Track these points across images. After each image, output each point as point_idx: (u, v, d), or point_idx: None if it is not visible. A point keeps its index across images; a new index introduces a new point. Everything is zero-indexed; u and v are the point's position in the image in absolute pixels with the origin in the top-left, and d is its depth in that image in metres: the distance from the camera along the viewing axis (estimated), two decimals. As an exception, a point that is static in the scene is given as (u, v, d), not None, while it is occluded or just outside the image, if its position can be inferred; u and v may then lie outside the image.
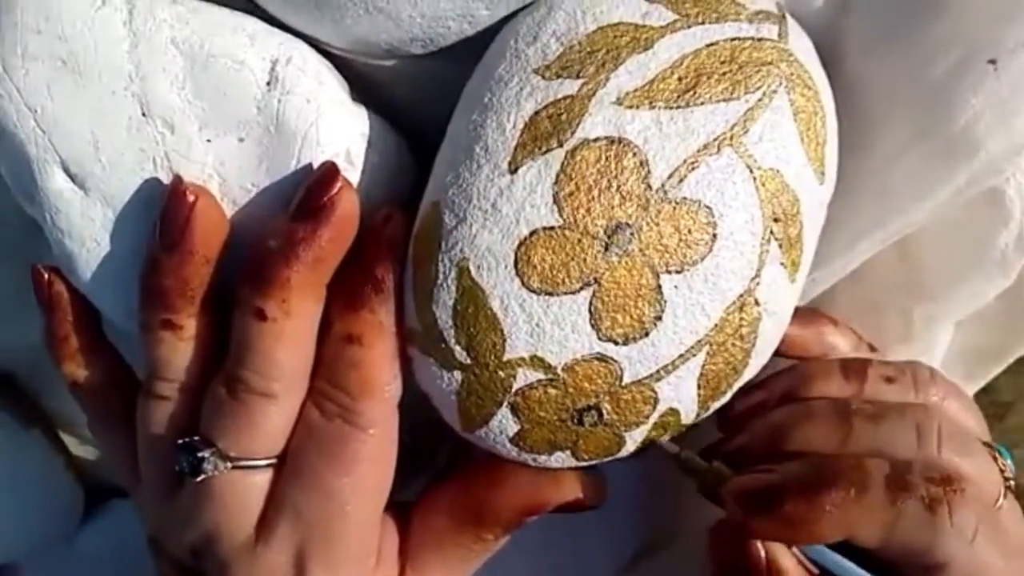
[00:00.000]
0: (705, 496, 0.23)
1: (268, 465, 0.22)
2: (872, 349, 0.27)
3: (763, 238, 0.22)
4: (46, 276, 0.23)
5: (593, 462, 0.24)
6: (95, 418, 0.25)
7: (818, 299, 0.27)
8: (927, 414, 0.23)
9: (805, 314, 0.26)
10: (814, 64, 0.23)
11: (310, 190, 0.21)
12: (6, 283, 0.23)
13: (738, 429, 0.24)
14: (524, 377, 0.21)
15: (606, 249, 0.21)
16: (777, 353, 0.24)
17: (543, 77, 0.21)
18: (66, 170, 0.21)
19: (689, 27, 0.21)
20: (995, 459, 0.23)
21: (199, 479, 0.21)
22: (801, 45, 0.23)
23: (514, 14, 0.22)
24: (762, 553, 0.22)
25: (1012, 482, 0.24)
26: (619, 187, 0.20)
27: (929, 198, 0.24)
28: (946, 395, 0.24)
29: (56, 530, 0.33)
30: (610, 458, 0.23)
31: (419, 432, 0.24)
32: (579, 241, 0.20)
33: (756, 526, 0.21)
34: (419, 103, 0.24)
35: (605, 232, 0.20)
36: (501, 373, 0.21)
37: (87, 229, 0.22)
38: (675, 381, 0.22)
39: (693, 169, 0.21)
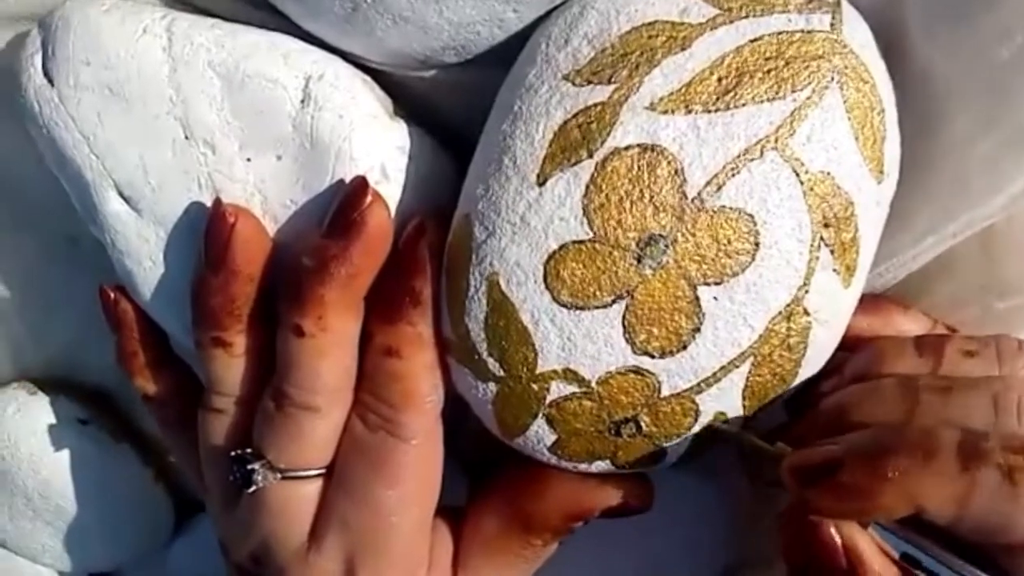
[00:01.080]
0: (772, 484, 0.21)
1: (317, 475, 0.23)
2: (951, 331, 0.25)
3: (812, 244, 0.20)
4: (112, 296, 0.24)
5: (635, 471, 0.23)
6: (166, 429, 0.26)
7: (892, 292, 0.26)
8: (1006, 384, 0.20)
9: (871, 301, 0.24)
10: (872, 54, 0.21)
11: (341, 206, 0.21)
12: (93, 302, 0.25)
13: (805, 413, 0.23)
14: (558, 389, 0.21)
15: (639, 261, 0.20)
16: (844, 347, 0.23)
17: (573, 84, 0.20)
18: (120, 193, 0.22)
19: (731, 22, 0.20)
20: None
21: (251, 490, 0.22)
22: (858, 34, 0.21)
23: (547, 15, 0.22)
24: (835, 535, 0.20)
25: None
26: (652, 197, 0.20)
27: (1002, 190, 0.22)
28: None
29: (147, 539, 0.35)
30: (653, 468, 0.23)
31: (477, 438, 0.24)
32: (610, 254, 0.20)
33: (813, 499, 0.19)
34: (460, 113, 0.24)
35: (637, 244, 0.20)
36: (534, 386, 0.21)
37: (143, 249, 0.23)
38: (717, 393, 0.21)
39: (733, 175, 0.20)
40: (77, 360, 0.33)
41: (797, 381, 0.22)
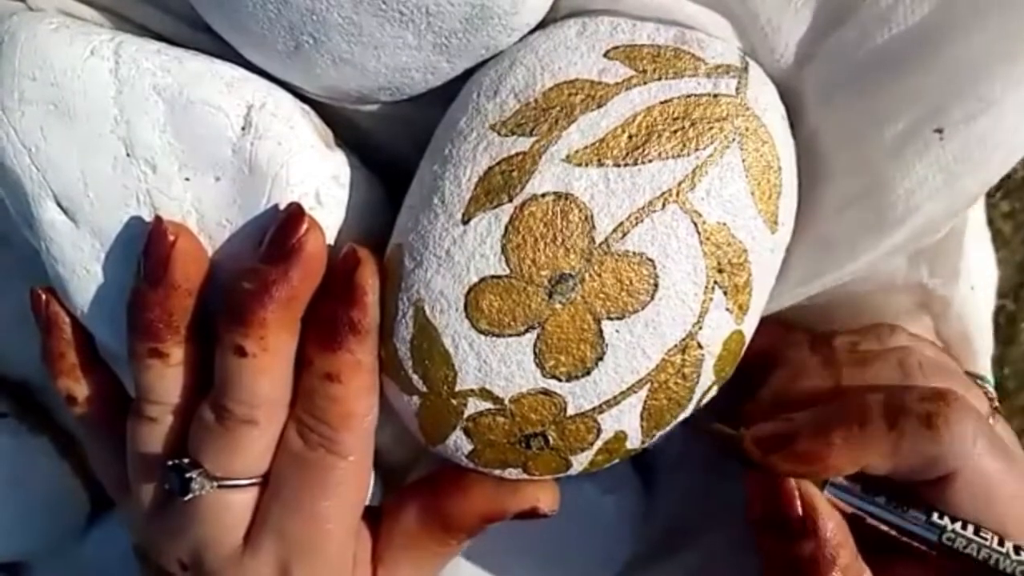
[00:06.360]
0: (739, 461, 0.24)
1: (252, 483, 0.24)
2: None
3: (707, 287, 0.23)
4: (43, 297, 0.25)
5: (545, 479, 0.25)
6: (87, 432, 0.26)
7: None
8: (905, 352, 0.25)
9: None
10: (774, 115, 0.23)
11: (278, 232, 0.22)
12: (20, 299, 0.25)
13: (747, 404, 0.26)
14: (474, 406, 0.23)
15: (550, 296, 0.22)
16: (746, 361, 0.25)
17: (499, 133, 0.22)
18: (58, 203, 0.23)
19: (645, 84, 0.22)
20: (979, 385, 0.25)
21: (187, 498, 0.23)
22: (762, 97, 0.23)
23: (479, 65, 0.23)
24: (795, 489, 0.23)
25: (997, 403, 0.25)
26: (564, 240, 0.22)
27: (857, 259, 0.24)
28: (916, 340, 0.26)
29: (60, 532, 0.35)
30: (560, 476, 0.25)
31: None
32: (524, 289, 0.22)
33: (776, 464, 0.23)
34: (393, 144, 0.25)
35: (549, 281, 0.22)
36: (454, 401, 0.23)
37: (77, 258, 0.23)
38: (617, 414, 0.23)
39: (637, 224, 0.22)
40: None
41: (692, 405, 0.24)
